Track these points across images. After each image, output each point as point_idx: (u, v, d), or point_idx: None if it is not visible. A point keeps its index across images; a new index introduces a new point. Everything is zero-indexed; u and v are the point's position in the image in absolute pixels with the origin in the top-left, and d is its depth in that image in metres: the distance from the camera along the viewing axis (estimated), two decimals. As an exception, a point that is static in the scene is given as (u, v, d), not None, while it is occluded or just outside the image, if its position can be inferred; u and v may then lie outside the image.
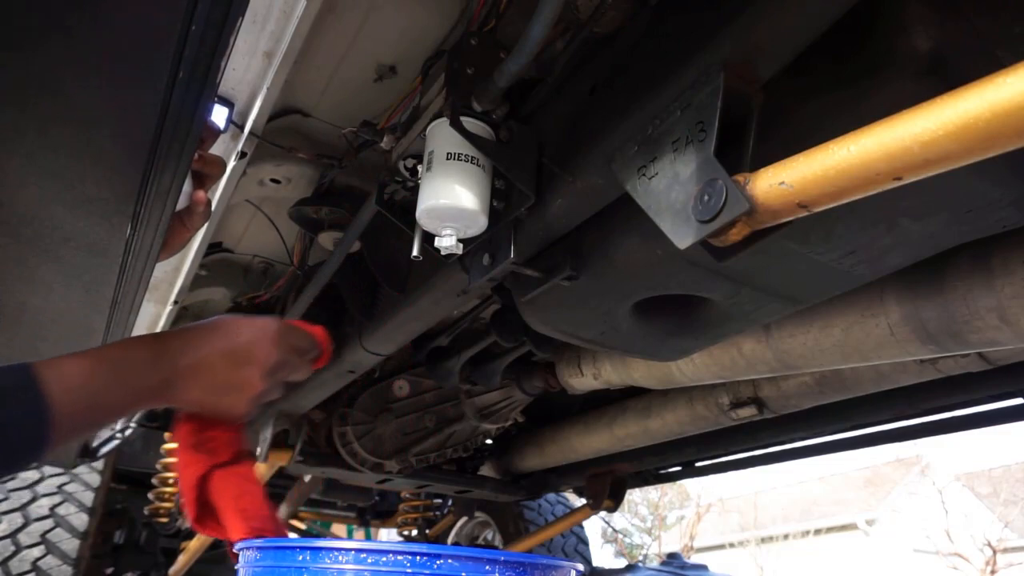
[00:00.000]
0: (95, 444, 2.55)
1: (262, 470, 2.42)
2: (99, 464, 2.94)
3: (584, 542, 3.95)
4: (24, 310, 0.86)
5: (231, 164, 1.25)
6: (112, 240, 0.66)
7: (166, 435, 3.52)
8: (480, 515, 3.73)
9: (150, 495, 3.67)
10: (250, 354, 0.80)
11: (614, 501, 2.74)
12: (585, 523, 3.71)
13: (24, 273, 0.74)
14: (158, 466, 3.62)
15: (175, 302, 1.81)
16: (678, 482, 6.03)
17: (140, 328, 2.08)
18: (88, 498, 2.82)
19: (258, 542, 1.28)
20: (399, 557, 1.11)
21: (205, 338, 0.77)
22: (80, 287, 0.77)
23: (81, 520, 2.73)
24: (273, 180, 1.46)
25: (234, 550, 1.36)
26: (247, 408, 0.82)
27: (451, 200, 1.03)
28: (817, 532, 16.62)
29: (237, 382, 0.79)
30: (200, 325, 0.79)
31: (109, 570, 3.67)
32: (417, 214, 1.07)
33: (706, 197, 0.73)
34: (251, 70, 1.10)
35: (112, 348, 0.73)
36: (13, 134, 0.52)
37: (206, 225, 1.47)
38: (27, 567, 2.52)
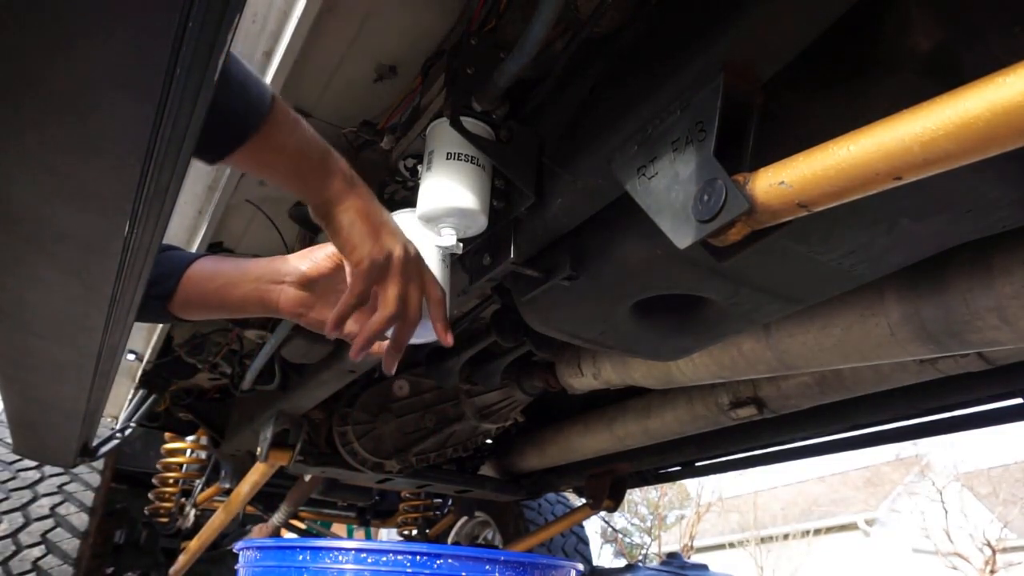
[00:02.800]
0: (95, 444, 2.54)
1: (262, 470, 2.42)
2: (99, 464, 2.93)
3: (584, 542, 3.95)
4: (22, 306, 0.86)
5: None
6: (110, 237, 0.66)
7: (166, 435, 3.53)
8: (480, 515, 3.73)
9: (150, 495, 3.67)
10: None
11: (614, 501, 2.74)
12: (585, 523, 3.71)
13: (21, 270, 0.75)
14: (158, 466, 3.63)
15: (175, 302, 1.80)
16: (678, 482, 6.04)
17: (140, 328, 2.09)
18: (88, 498, 2.81)
19: (258, 542, 1.28)
20: (399, 557, 1.12)
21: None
22: (78, 284, 0.77)
23: (81, 520, 2.73)
24: (273, 180, 1.46)
25: (234, 550, 1.36)
26: (370, 265, 0.86)
27: (451, 200, 1.03)
28: (817, 532, 16.62)
29: (381, 226, 0.87)
30: None
31: (109, 570, 3.68)
32: (417, 214, 1.07)
33: (706, 197, 0.73)
34: (251, 70, 1.10)
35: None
36: (8, 130, 0.52)
37: (206, 225, 1.47)
38: (28, 567, 2.52)
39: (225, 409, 2.98)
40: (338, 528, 4.87)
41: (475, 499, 3.50)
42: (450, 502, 3.98)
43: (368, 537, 4.72)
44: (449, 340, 0.95)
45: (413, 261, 0.90)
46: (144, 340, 2.18)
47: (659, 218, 0.83)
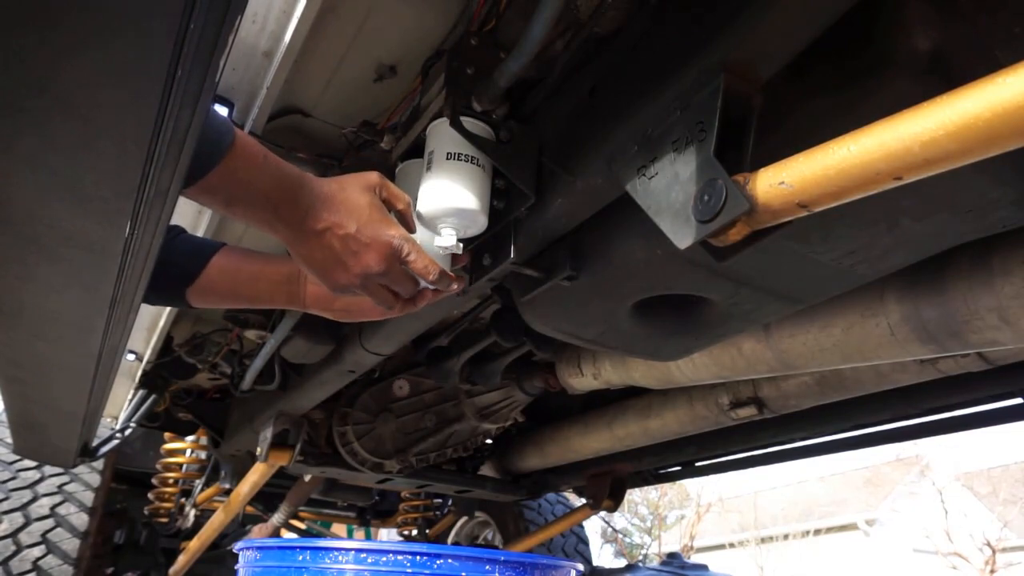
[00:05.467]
0: (95, 444, 2.54)
1: (262, 470, 2.42)
2: (99, 464, 2.93)
3: (584, 542, 3.95)
4: (22, 308, 0.86)
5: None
6: (111, 239, 0.66)
7: (166, 435, 3.53)
8: (480, 515, 3.74)
9: (150, 495, 3.68)
10: (377, 224, 0.88)
11: (614, 501, 2.74)
12: (585, 523, 3.71)
13: (23, 272, 0.75)
14: (158, 466, 3.63)
15: (175, 302, 1.80)
16: (678, 482, 6.04)
17: (140, 328, 2.09)
18: (88, 498, 2.81)
19: (258, 542, 1.28)
20: (399, 557, 1.12)
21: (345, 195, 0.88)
22: (79, 286, 0.77)
23: (81, 520, 2.73)
24: (273, 180, 1.46)
25: (234, 550, 1.36)
26: (351, 282, 0.89)
27: (451, 200, 1.03)
28: (817, 532, 16.61)
29: (359, 244, 0.86)
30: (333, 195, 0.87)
31: (109, 570, 3.68)
32: (417, 214, 1.07)
33: (706, 197, 0.73)
34: (251, 70, 1.10)
35: (281, 162, 0.83)
36: (12, 133, 0.52)
37: (205, 225, 1.47)
38: (28, 567, 2.52)
39: (225, 409, 2.98)
40: (338, 528, 4.87)
41: (475, 499, 3.50)
42: (450, 502, 3.98)
43: (368, 537, 4.72)
44: (456, 288, 1.01)
45: (379, 275, 0.90)
46: (144, 340, 2.18)
47: (659, 218, 0.83)
